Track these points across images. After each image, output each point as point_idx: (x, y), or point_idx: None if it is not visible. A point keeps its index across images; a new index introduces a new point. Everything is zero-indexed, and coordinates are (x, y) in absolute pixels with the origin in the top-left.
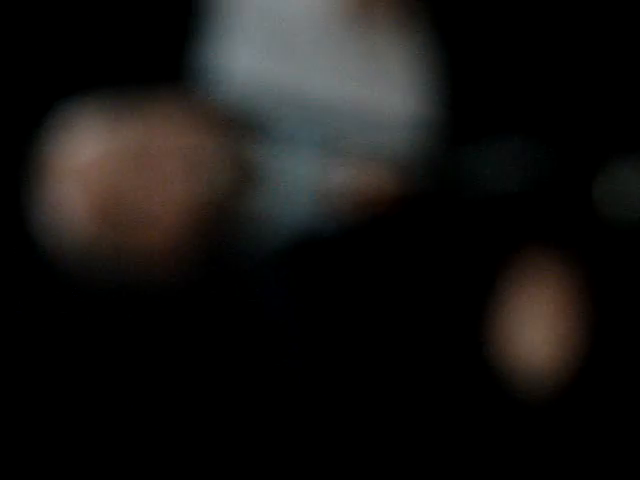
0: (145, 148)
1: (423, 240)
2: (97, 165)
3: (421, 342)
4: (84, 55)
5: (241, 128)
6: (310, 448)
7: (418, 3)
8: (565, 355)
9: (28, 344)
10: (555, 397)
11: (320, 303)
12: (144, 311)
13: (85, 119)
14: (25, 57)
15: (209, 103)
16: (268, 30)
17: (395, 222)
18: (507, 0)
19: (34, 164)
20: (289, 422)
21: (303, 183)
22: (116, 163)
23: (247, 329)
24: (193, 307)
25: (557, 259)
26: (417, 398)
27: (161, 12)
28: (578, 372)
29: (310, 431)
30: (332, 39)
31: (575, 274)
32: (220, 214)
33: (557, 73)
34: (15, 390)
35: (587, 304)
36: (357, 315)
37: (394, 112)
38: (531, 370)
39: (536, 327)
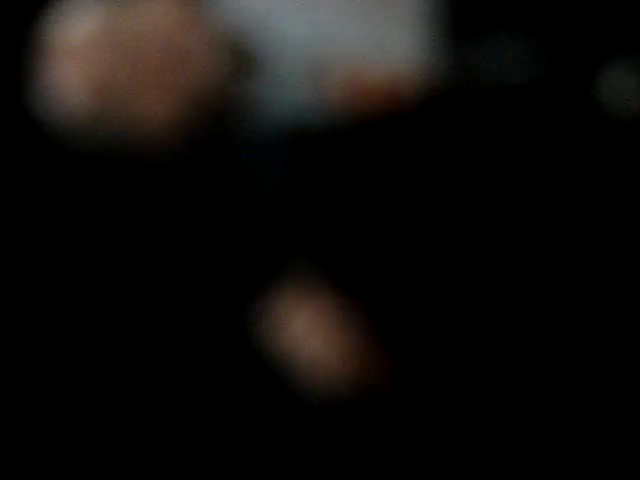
0: (140, 26)
1: (421, 138)
2: (93, 43)
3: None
4: None
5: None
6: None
7: None
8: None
9: (29, 213)
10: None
11: (311, 195)
12: (139, 182)
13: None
14: None
15: None
16: None
17: (396, 119)
18: None
19: (33, 42)
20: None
21: (299, 69)
22: (111, 41)
23: (236, 211)
24: (186, 182)
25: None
26: None
27: None
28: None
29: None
30: None
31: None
32: (216, 96)
33: None
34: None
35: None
36: (347, 210)
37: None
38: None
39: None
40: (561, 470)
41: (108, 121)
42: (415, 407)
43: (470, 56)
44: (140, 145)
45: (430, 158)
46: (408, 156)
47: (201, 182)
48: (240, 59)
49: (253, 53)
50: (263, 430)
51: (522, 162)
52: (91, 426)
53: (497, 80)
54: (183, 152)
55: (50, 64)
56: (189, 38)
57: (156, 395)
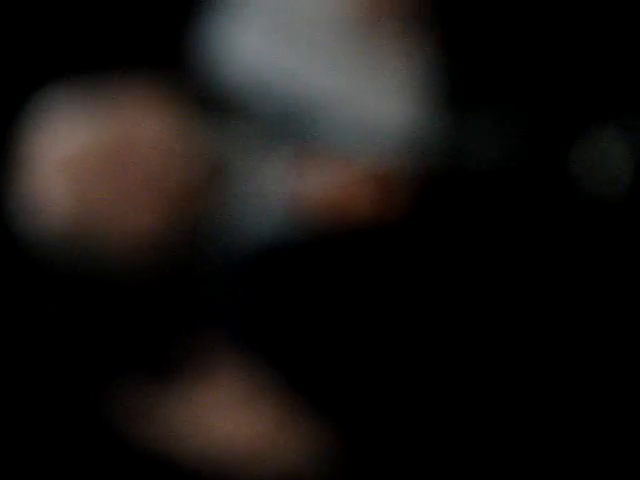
0: (124, 139)
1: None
2: (79, 156)
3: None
4: (65, 39)
5: (219, 118)
6: None
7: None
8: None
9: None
10: None
11: (281, 315)
12: (116, 296)
13: (66, 107)
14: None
15: (191, 90)
16: (272, 18)
17: (372, 233)
18: None
19: (14, 152)
20: None
21: (274, 186)
22: (97, 154)
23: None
24: (159, 297)
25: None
26: None
27: None
28: None
29: None
30: (337, 36)
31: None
32: (194, 209)
33: (533, 47)
34: None
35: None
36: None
37: (386, 110)
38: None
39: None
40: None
41: (89, 235)
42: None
43: (453, 136)
44: (118, 261)
45: (417, 270)
46: (392, 271)
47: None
48: (218, 169)
49: (231, 163)
50: None
51: (507, 247)
52: None
53: (481, 164)
54: (160, 268)
55: (33, 173)
56: (172, 152)
57: None
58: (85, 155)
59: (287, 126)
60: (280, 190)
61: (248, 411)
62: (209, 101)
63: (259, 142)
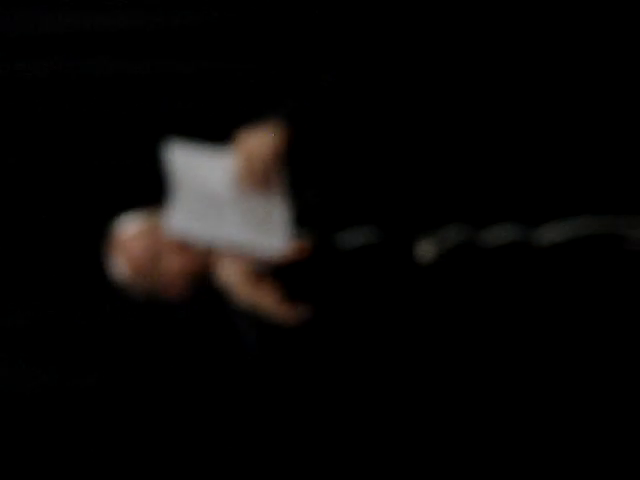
0: (158, 237)
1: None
2: (131, 238)
3: None
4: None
5: None
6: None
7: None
8: None
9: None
10: None
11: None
12: (164, 317)
13: (131, 221)
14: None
15: None
16: (194, 195)
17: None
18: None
19: (107, 237)
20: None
21: None
22: (143, 236)
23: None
24: (191, 319)
25: None
26: None
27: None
28: None
29: None
30: (237, 200)
31: None
32: (203, 274)
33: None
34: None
35: None
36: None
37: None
38: None
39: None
40: None
41: (143, 286)
42: None
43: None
44: (163, 296)
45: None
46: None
47: (197, 320)
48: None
49: None
50: None
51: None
52: None
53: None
54: (189, 298)
55: (110, 252)
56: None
57: None
58: (136, 237)
59: None
60: None
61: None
62: None
63: None
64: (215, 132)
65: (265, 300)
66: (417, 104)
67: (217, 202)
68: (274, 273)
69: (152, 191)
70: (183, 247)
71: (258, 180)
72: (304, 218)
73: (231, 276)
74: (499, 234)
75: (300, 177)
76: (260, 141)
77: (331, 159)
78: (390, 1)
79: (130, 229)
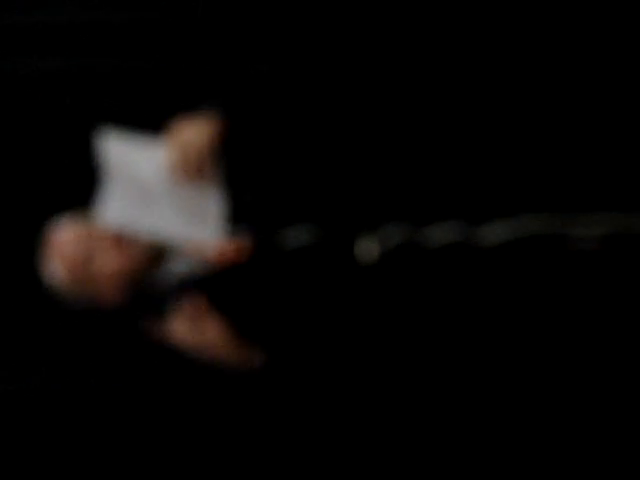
0: (92, 238)
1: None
2: (66, 242)
3: None
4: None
5: None
6: None
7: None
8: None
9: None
10: None
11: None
12: (100, 322)
13: (65, 223)
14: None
15: None
16: (126, 185)
17: (236, 271)
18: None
19: (44, 239)
20: None
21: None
22: (78, 244)
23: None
24: (126, 320)
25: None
26: None
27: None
28: None
29: None
30: (171, 191)
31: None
32: (140, 274)
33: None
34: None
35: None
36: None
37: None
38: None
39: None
40: None
41: (79, 290)
42: None
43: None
44: (98, 298)
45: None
46: None
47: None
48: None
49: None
50: None
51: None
52: None
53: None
54: (123, 298)
55: (45, 255)
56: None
57: None
58: (70, 241)
59: None
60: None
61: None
62: None
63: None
64: (152, 125)
65: (210, 336)
66: (357, 95)
67: (150, 192)
68: (215, 277)
69: (86, 190)
70: (117, 248)
71: (192, 171)
72: (241, 215)
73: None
74: (441, 233)
75: (236, 170)
76: (194, 131)
77: (268, 153)
78: None
79: (65, 231)
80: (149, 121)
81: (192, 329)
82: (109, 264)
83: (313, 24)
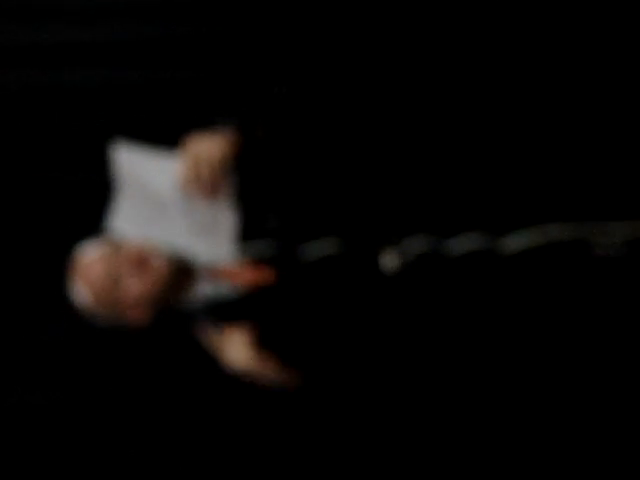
0: (117, 261)
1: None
2: (90, 264)
3: None
4: None
5: None
6: None
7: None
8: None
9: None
10: None
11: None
12: (128, 341)
13: (91, 245)
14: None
15: None
16: (139, 197)
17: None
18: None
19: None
20: None
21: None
22: (104, 266)
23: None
24: (154, 339)
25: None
26: None
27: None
28: None
29: None
30: (183, 205)
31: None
32: (166, 296)
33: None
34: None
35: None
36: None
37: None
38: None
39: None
40: None
41: (105, 311)
42: None
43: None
44: (124, 319)
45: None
46: None
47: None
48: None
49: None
50: None
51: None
52: None
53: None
54: (149, 319)
55: (72, 277)
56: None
57: None
58: (95, 264)
59: None
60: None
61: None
62: None
63: None
64: (167, 140)
65: (268, 370)
66: (374, 112)
67: (162, 205)
68: (244, 302)
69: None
70: (143, 270)
71: (204, 185)
72: (263, 230)
73: (236, 349)
74: (463, 243)
75: (255, 186)
76: (209, 146)
77: (287, 168)
78: (343, 15)
79: (91, 252)
80: (165, 135)
81: (252, 356)
82: (134, 286)
83: (328, 44)
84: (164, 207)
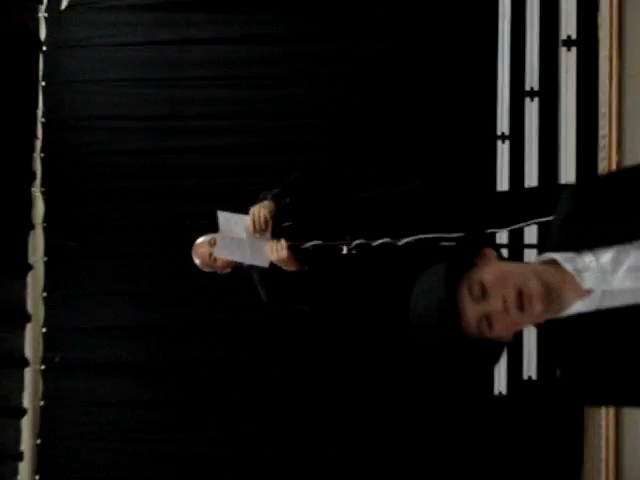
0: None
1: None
2: (200, 247)
3: None
4: None
5: None
6: None
7: None
8: None
9: None
10: None
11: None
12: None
13: (204, 235)
14: None
15: None
16: (230, 237)
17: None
18: None
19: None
20: None
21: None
22: (205, 248)
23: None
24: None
25: None
26: None
27: None
28: None
29: None
30: (250, 240)
31: None
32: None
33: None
34: None
35: None
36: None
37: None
38: None
39: None
40: None
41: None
42: None
43: None
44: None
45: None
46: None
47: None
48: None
49: None
50: None
51: None
52: None
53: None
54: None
55: (193, 253)
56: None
57: None
58: (200, 245)
59: None
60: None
61: None
62: None
63: None
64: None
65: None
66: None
67: (241, 241)
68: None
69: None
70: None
71: (259, 231)
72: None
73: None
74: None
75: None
76: (260, 208)
77: (299, 216)
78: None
79: (201, 239)
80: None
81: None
82: (222, 261)
83: None
84: (242, 242)
